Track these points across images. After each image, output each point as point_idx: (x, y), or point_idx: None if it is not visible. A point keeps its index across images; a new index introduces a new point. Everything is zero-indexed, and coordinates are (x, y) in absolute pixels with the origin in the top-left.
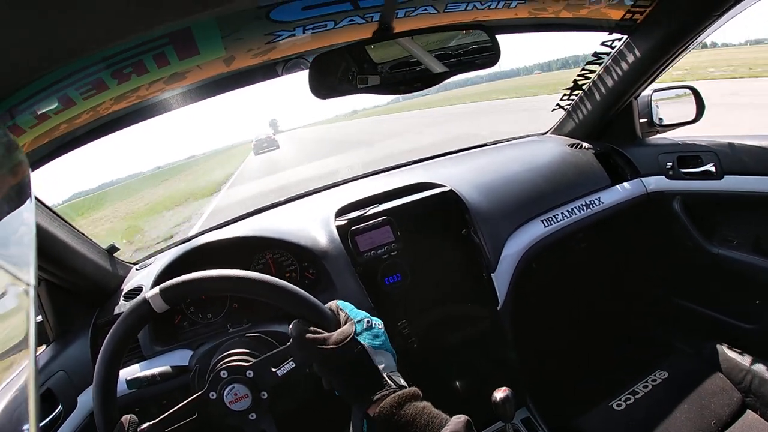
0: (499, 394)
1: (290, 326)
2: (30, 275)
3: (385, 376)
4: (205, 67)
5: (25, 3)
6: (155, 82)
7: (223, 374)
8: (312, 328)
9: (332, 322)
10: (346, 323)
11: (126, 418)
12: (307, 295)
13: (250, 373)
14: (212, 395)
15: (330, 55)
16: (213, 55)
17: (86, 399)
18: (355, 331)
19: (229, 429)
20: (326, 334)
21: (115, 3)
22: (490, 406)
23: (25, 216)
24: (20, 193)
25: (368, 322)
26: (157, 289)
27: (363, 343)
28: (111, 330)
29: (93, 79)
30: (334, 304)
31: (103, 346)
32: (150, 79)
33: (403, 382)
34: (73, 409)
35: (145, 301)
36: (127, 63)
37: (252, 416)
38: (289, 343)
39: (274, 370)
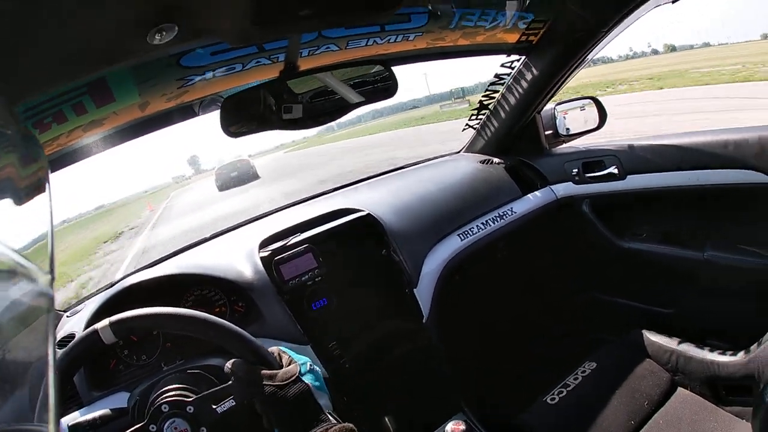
0: (451, 428)
1: (229, 364)
2: (49, 266)
3: (326, 413)
4: (122, 113)
5: None
6: (74, 129)
7: (164, 408)
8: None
9: (275, 364)
10: (290, 364)
11: None
12: (252, 338)
13: (190, 409)
14: (152, 428)
15: (238, 96)
16: (128, 101)
17: None
18: (300, 371)
19: None
20: (273, 372)
21: (37, 60)
22: (426, 416)
23: (42, 209)
24: (38, 188)
25: (310, 365)
26: (106, 321)
27: (307, 382)
28: (57, 359)
29: None
30: (276, 349)
31: None
32: (69, 128)
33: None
34: None
35: (95, 332)
36: (47, 113)
37: (203, 430)
38: (230, 381)
39: (214, 407)
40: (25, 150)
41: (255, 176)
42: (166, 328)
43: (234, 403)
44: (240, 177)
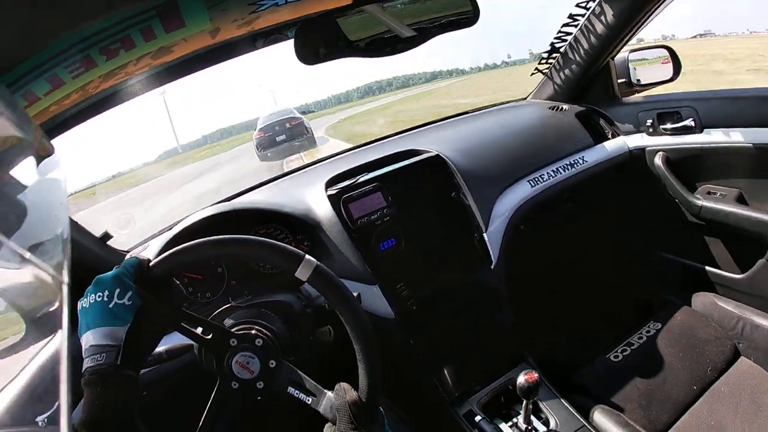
0: (524, 378)
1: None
2: (63, 273)
3: None
4: (191, 40)
5: None
6: (143, 57)
7: (233, 342)
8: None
9: (297, 258)
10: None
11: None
12: (273, 242)
13: (259, 342)
14: (233, 342)
15: (313, 22)
16: (199, 27)
17: None
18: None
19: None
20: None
21: None
22: (489, 363)
23: (59, 211)
24: (53, 188)
25: None
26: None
27: None
28: None
29: (82, 56)
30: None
31: None
32: (137, 54)
33: None
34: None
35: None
36: (114, 38)
37: (260, 384)
38: (328, 393)
39: (289, 388)
40: (36, 145)
41: (312, 141)
42: (204, 258)
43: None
44: (291, 140)
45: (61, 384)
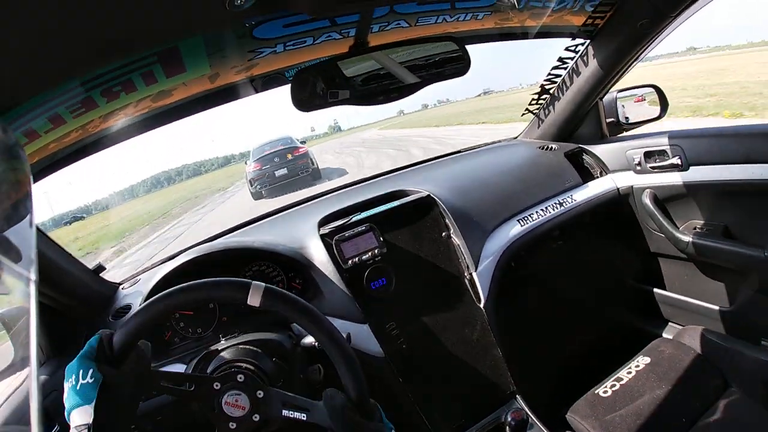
0: (512, 416)
1: (327, 391)
2: (31, 272)
3: None
4: (191, 84)
5: (23, 24)
6: (143, 99)
7: (216, 386)
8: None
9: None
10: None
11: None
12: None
13: (260, 393)
14: (216, 385)
15: (310, 69)
16: (199, 72)
17: None
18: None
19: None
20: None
21: (108, 29)
22: (479, 401)
23: (25, 216)
24: (23, 204)
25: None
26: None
27: None
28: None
29: (83, 97)
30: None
31: None
32: (138, 97)
33: None
34: (69, 429)
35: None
36: (116, 81)
37: (255, 417)
38: (318, 404)
39: (283, 411)
40: (7, 158)
41: (316, 175)
42: (159, 316)
43: (304, 419)
44: (290, 177)
45: (31, 381)
